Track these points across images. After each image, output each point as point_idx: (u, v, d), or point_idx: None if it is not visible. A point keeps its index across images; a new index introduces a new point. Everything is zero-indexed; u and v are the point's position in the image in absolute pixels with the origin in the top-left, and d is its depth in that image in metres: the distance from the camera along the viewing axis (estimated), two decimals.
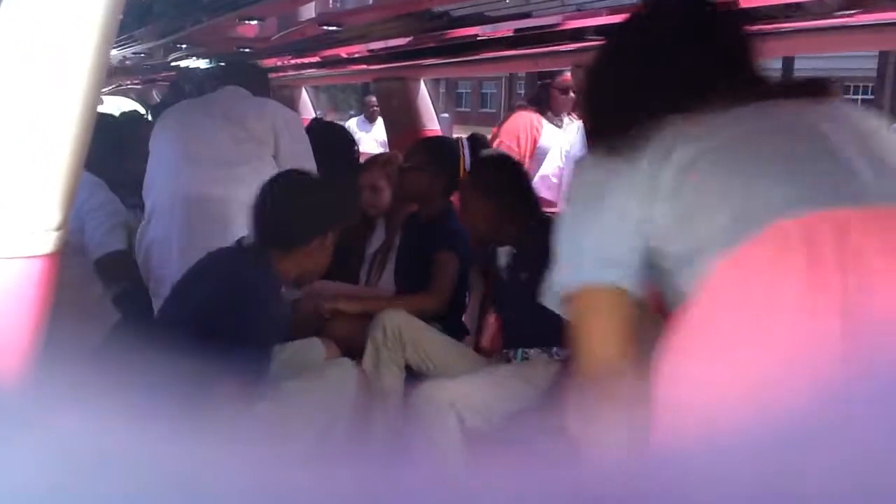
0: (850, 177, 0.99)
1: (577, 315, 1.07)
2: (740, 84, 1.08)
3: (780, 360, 0.93)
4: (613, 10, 1.97)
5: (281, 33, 2.85)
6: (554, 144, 3.43)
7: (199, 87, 5.08)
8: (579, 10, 2.05)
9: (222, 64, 4.56)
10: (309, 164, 2.57)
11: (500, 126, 3.64)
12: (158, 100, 6.92)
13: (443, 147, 2.66)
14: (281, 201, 1.89)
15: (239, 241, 1.94)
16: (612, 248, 1.04)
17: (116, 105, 6.60)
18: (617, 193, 1.04)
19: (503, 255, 2.32)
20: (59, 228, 0.54)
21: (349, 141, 3.25)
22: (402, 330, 2.29)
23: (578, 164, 1.17)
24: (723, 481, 0.84)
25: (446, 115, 12.32)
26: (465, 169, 2.56)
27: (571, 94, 3.49)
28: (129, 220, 2.56)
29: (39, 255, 0.53)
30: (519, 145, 3.48)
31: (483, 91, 30.58)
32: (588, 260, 1.06)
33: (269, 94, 2.87)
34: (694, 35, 1.12)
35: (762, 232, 0.96)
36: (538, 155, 3.51)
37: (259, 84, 2.74)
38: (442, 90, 19.35)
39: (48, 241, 0.53)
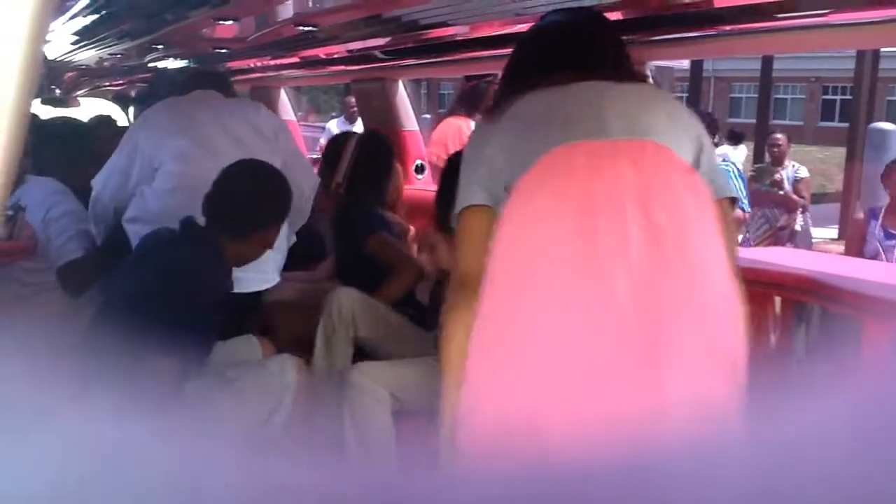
0: (601, 125, 1.38)
1: (460, 229, 1.41)
2: (571, 72, 1.46)
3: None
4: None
5: (257, 34, 2.84)
6: None
7: (174, 88, 5.04)
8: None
9: (194, 66, 4.56)
10: (306, 165, 2.62)
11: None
12: (133, 109, 6.89)
13: None
14: (243, 189, 1.95)
15: (185, 223, 1.94)
16: (489, 183, 1.38)
17: (94, 107, 6.54)
18: (492, 144, 1.41)
19: None
20: None
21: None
22: (355, 310, 2.31)
23: (475, 127, 1.62)
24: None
25: (428, 115, 12.32)
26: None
27: None
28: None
29: None
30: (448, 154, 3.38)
31: None
32: (473, 189, 1.39)
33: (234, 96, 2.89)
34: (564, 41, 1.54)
35: (537, 163, 1.36)
36: None
37: (227, 88, 2.74)
38: (424, 91, 19.33)
39: None
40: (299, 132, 4.67)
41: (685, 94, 15.09)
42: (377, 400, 2.04)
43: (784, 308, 1.92)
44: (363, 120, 3.79)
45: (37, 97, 5.94)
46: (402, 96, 3.57)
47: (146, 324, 1.64)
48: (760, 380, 1.59)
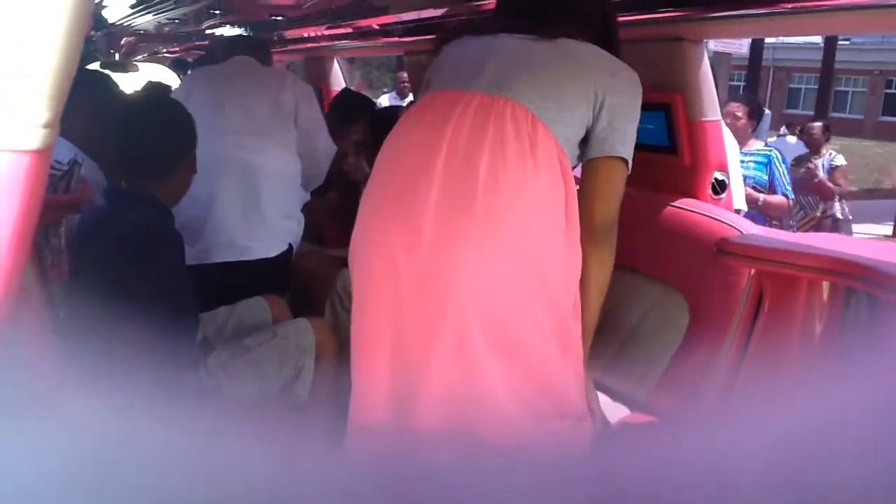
0: (475, 77, 1.48)
1: None
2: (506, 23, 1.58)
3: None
4: None
5: (312, 1, 2.85)
6: None
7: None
8: None
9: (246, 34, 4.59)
10: (324, 132, 2.68)
11: None
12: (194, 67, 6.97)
13: None
14: (153, 130, 1.93)
15: (109, 191, 1.94)
16: None
17: (152, 72, 6.64)
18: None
19: None
20: (46, 126, 0.54)
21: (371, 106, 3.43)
22: None
23: None
24: None
25: None
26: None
27: None
28: None
29: (28, 151, 0.54)
30: None
31: None
32: None
33: (271, 65, 3.01)
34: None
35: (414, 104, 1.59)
36: None
37: (264, 55, 2.86)
38: None
39: (37, 137, 0.54)
40: None
41: (742, 83, 14.77)
42: None
43: (832, 294, 1.88)
44: (413, 93, 3.79)
45: (96, 61, 6.05)
46: None
47: (122, 302, 1.60)
48: (807, 364, 1.59)
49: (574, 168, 1.54)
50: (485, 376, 1.36)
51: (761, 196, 3.96)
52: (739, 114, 4.13)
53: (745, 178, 3.83)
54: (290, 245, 2.60)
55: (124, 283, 1.67)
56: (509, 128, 1.42)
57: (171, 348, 1.68)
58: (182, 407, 1.62)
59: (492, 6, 2.66)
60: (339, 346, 2.08)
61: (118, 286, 1.65)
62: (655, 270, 2.25)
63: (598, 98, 1.51)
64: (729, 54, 11.35)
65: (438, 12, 2.90)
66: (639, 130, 2.46)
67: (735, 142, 3.36)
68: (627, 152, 1.58)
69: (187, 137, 1.98)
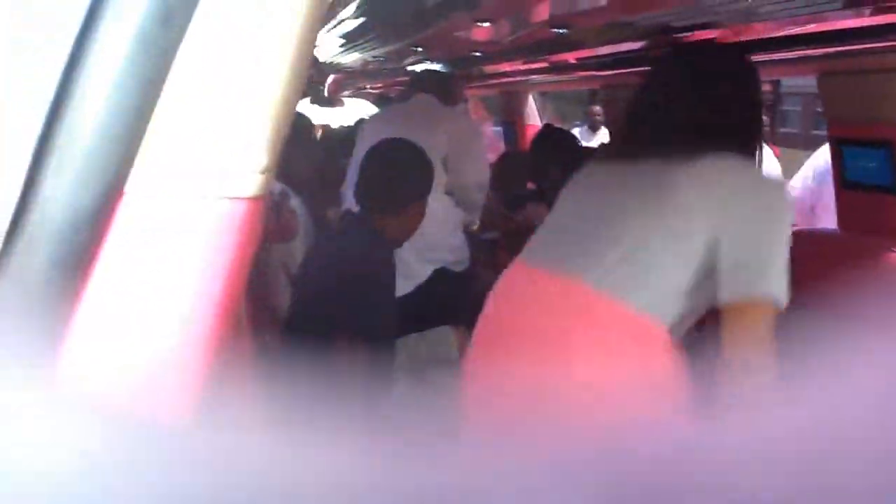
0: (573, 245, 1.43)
1: None
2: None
3: None
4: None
5: (511, 36, 2.87)
6: None
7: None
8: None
9: (441, 69, 4.71)
10: (474, 166, 2.89)
11: None
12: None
13: None
14: (387, 166, 2.09)
15: (343, 217, 2.03)
16: None
17: (357, 107, 6.99)
18: None
19: None
20: (265, 171, 0.56)
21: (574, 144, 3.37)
22: None
23: None
24: None
25: None
26: None
27: None
28: None
29: (246, 198, 0.55)
30: None
31: None
32: None
33: (458, 102, 3.09)
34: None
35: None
36: None
37: (448, 92, 2.94)
38: None
39: (255, 183, 0.56)
40: None
41: None
42: None
43: None
44: (608, 127, 3.73)
45: (306, 97, 6.45)
46: None
47: (332, 322, 1.73)
48: None
49: None
50: None
51: None
52: None
53: None
54: (435, 274, 2.65)
55: (338, 303, 1.80)
56: None
57: (373, 378, 1.76)
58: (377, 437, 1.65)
59: (692, 39, 2.58)
60: None
61: (332, 306, 1.80)
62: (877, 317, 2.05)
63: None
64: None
65: (635, 45, 2.85)
66: (857, 168, 2.29)
67: None
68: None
69: (422, 180, 2.13)
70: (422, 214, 2.12)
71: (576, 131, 7.30)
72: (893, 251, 2.07)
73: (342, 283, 1.85)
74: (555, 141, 3.35)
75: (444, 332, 2.26)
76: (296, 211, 2.34)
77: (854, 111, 2.23)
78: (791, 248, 2.36)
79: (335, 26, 3.37)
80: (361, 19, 3.01)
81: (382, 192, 2.06)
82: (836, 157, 2.30)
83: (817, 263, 2.26)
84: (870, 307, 2.04)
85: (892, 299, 2.03)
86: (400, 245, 2.11)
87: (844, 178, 2.28)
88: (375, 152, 2.14)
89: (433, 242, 2.71)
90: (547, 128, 3.82)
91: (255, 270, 2.01)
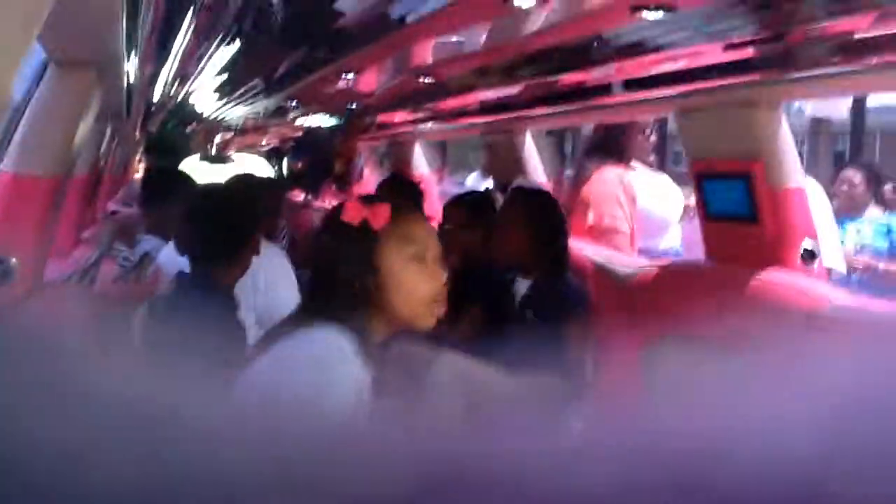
0: None
1: None
2: None
3: None
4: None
5: (382, 87, 2.89)
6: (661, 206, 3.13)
7: (320, 144, 5.29)
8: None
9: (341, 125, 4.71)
10: None
11: (573, 192, 3.12)
12: (290, 158, 7.23)
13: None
14: (215, 212, 1.96)
15: (176, 278, 1.94)
16: None
17: (247, 162, 6.90)
18: None
19: (521, 286, 2.43)
20: None
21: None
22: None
23: None
24: None
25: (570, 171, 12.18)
26: None
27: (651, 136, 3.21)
28: None
29: None
30: (624, 212, 2.96)
31: None
32: None
33: None
34: None
35: None
36: (648, 222, 3.05)
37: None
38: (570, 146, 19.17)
39: None
40: (433, 188, 4.70)
41: (845, 148, 14.25)
42: None
43: None
44: (491, 174, 3.77)
45: (194, 154, 6.34)
46: (529, 148, 3.52)
47: None
48: None
49: None
50: None
51: (881, 264, 3.74)
52: (856, 181, 3.95)
53: (862, 246, 3.73)
54: None
55: None
56: None
57: None
58: None
59: (567, 82, 2.64)
60: None
61: None
62: (745, 346, 2.10)
63: None
64: (828, 120, 10.99)
65: (514, 90, 2.90)
66: (718, 200, 2.37)
67: (827, 206, 3.19)
68: None
69: (245, 222, 2.00)
70: (256, 251, 1.99)
71: (471, 176, 7.42)
72: (757, 279, 2.12)
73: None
74: (396, 187, 3.53)
75: None
76: (161, 271, 2.26)
77: (711, 146, 2.30)
78: (662, 279, 2.41)
79: (212, 76, 3.33)
80: (227, 73, 2.98)
81: (217, 239, 1.93)
82: (699, 191, 2.36)
83: (686, 294, 2.31)
84: (735, 334, 2.09)
85: (760, 324, 2.08)
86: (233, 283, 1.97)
87: (708, 211, 2.35)
88: (193, 206, 2.02)
89: None
90: (392, 176, 4.13)
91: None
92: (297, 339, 1.32)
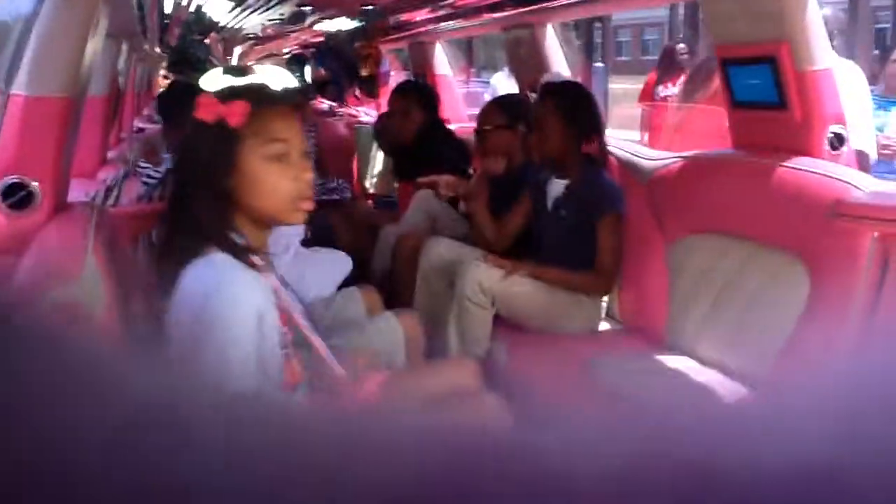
0: None
1: None
2: None
3: None
4: None
5: None
6: None
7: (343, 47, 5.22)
8: None
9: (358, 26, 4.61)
10: None
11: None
12: (312, 65, 7.13)
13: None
14: None
15: None
16: None
17: (269, 72, 6.82)
18: None
19: (556, 187, 2.43)
20: None
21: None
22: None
23: None
24: None
25: (600, 64, 11.94)
26: None
27: None
28: None
29: None
30: None
31: (644, 38, 29.45)
32: None
33: None
34: None
35: None
36: None
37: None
38: (598, 40, 18.72)
39: None
40: (453, 89, 4.61)
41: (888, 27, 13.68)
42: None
43: None
44: (513, 71, 3.69)
45: (215, 67, 6.27)
46: (552, 43, 3.43)
47: None
48: None
49: None
50: None
51: None
52: None
53: None
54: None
55: None
56: None
57: None
58: None
59: None
60: (428, 335, 2.05)
61: None
62: (771, 238, 2.08)
63: None
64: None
65: None
66: (744, 86, 2.28)
67: (865, 89, 3.04)
68: None
69: None
70: None
71: (498, 76, 7.27)
72: (784, 166, 2.08)
73: None
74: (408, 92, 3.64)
75: (350, 294, 2.23)
76: None
77: (736, 30, 2.22)
78: (686, 172, 2.37)
79: None
80: None
81: None
82: (724, 78, 2.29)
83: (710, 187, 2.28)
84: (771, 225, 2.05)
85: (786, 215, 2.05)
86: None
87: (734, 99, 2.29)
88: None
89: None
90: (405, 82, 4.19)
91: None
92: (188, 277, 1.30)
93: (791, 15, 2.04)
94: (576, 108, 2.40)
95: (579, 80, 3.49)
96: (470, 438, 0.27)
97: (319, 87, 6.60)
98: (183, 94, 2.85)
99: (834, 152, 2.10)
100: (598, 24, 17.04)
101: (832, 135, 2.10)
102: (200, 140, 1.35)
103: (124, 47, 3.38)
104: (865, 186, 1.89)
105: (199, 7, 3.87)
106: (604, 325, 2.52)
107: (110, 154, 3.52)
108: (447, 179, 2.60)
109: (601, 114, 2.53)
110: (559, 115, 2.36)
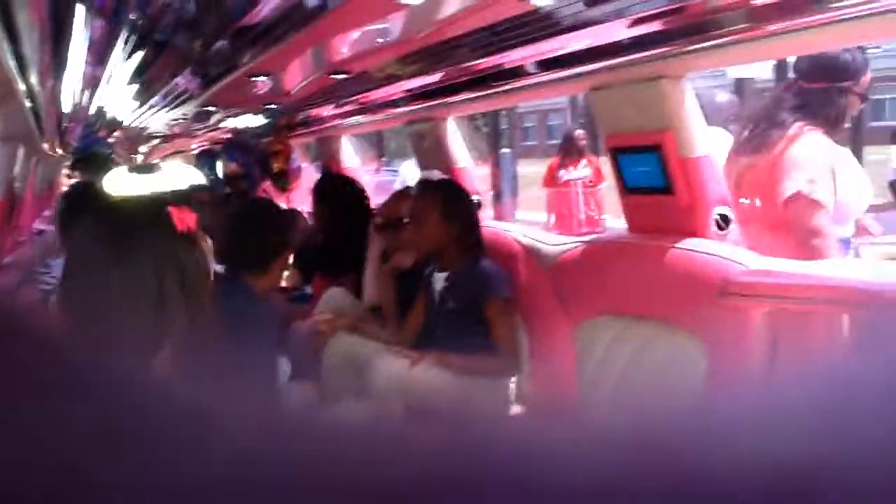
0: None
1: None
2: None
3: None
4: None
5: (297, 87, 2.86)
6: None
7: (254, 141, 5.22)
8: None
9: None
10: None
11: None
12: (224, 160, 7.10)
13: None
14: (257, 228, 2.30)
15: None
16: None
17: (176, 170, 6.77)
18: None
19: (439, 280, 2.49)
20: None
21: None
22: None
23: None
24: None
25: (507, 150, 12.25)
26: None
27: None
28: None
29: None
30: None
31: (549, 123, 30.49)
32: None
33: None
34: None
35: None
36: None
37: None
38: (504, 126, 19.22)
39: None
40: (363, 181, 4.67)
41: None
42: None
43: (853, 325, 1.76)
44: (419, 163, 3.77)
45: (119, 166, 6.20)
46: (454, 135, 3.52)
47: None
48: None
49: None
50: None
51: None
52: None
53: None
54: None
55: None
56: None
57: None
58: None
59: (488, 66, 2.64)
60: None
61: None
62: (668, 317, 2.15)
63: None
64: (751, 79, 11.17)
65: (432, 78, 2.89)
66: (633, 173, 2.41)
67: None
68: None
69: (283, 239, 2.31)
70: (285, 268, 2.34)
71: (409, 163, 7.41)
72: (673, 248, 2.17)
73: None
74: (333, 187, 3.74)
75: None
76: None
77: (623, 121, 2.34)
78: (585, 256, 2.45)
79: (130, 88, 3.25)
80: (139, 80, 2.92)
81: (250, 252, 2.21)
82: (615, 166, 2.40)
83: (609, 270, 2.35)
84: (664, 304, 2.12)
85: (677, 294, 2.13)
86: (267, 299, 2.23)
87: (625, 185, 2.39)
88: (240, 216, 2.38)
89: None
90: (327, 176, 4.37)
91: None
92: None
93: (673, 104, 2.17)
94: (448, 204, 2.50)
95: (488, 166, 3.59)
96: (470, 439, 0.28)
97: (231, 182, 6.56)
98: (78, 196, 2.82)
99: (721, 233, 2.21)
100: (503, 112, 17.54)
101: (718, 216, 2.22)
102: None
103: (20, 151, 3.32)
104: (751, 264, 1.99)
105: (99, 107, 3.84)
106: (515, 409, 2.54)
107: (6, 259, 3.41)
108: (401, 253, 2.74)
109: (474, 207, 2.69)
110: (437, 210, 2.46)
